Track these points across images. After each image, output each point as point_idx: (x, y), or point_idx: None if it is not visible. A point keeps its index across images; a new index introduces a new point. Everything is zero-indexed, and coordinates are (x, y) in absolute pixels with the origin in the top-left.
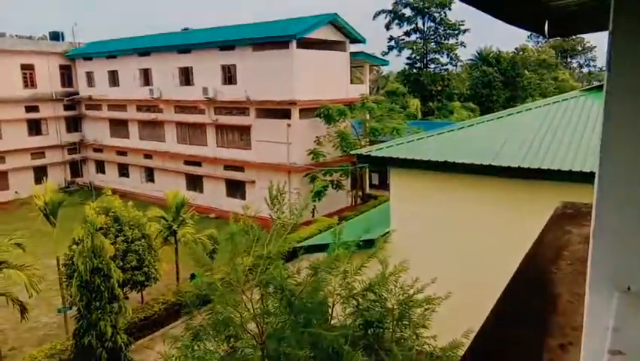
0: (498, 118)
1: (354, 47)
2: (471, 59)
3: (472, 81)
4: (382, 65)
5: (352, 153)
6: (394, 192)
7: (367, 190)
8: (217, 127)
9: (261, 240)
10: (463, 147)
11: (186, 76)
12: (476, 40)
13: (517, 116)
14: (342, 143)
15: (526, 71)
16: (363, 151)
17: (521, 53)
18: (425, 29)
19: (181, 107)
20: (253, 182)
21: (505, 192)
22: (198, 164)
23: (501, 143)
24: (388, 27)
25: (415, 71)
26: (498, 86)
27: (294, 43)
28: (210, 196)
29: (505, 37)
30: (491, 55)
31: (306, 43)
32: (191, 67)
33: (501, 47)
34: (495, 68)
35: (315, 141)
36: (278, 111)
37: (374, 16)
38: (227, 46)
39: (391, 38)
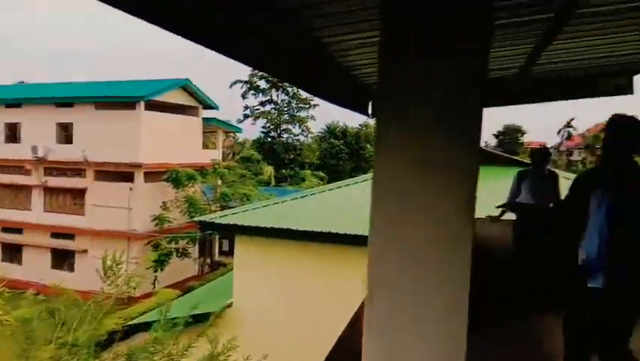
0: (338, 188)
1: (208, 113)
2: (321, 132)
3: (321, 152)
4: (236, 132)
5: (194, 220)
6: (238, 260)
7: (217, 257)
8: (45, 190)
9: (68, 323)
10: (303, 215)
11: (12, 132)
12: (325, 114)
13: (354, 186)
14: (190, 208)
15: (368, 145)
16: (205, 218)
17: (364, 128)
18: (279, 101)
19: (3, 166)
20: (85, 251)
21: (340, 260)
22: (18, 231)
23: (337, 211)
24: (244, 96)
25: (269, 139)
26: (345, 157)
27: (142, 105)
28: (31, 269)
29: (351, 114)
30: (338, 129)
31: (156, 106)
32: (19, 123)
33: (347, 122)
34: (342, 141)
35: (161, 206)
36: (121, 174)
37: (231, 85)
38: (64, 103)
39: (246, 107)
